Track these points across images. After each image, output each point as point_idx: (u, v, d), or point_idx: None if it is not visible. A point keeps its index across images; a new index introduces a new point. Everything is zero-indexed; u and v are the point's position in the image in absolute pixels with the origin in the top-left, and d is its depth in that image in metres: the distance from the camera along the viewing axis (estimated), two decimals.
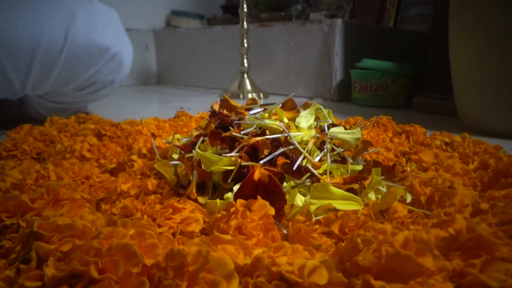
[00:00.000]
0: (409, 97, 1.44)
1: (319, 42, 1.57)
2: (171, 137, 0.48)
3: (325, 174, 0.41)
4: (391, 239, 0.24)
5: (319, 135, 0.44)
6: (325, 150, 0.42)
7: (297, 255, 0.25)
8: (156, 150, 0.49)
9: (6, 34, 0.78)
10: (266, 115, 0.47)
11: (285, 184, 0.39)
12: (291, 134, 0.42)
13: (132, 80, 2.01)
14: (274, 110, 0.49)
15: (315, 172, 0.39)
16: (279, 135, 0.42)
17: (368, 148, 0.46)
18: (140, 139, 0.56)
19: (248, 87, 1.62)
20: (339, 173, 0.43)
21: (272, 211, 0.32)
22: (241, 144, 0.40)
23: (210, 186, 0.41)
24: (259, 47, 1.73)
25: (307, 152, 0.41)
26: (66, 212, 0.33)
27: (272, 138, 0.42)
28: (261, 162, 0.39)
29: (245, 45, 1.62)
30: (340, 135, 0.44)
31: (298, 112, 0.49)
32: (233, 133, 0.42)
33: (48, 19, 0.83)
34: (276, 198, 0.34)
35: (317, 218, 0.35)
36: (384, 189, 0.40)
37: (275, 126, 0.43)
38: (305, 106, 0.58)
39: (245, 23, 1.61)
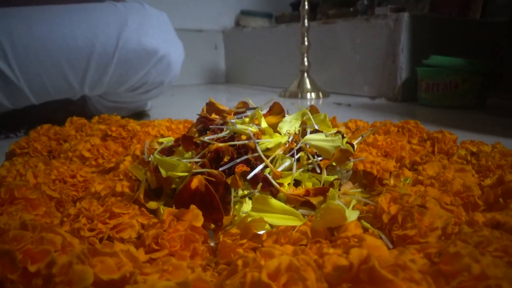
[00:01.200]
0: (483, 97, 1.29)
1: (384, 38, 1.48)
2: (153, 139, 0.49)
3: (291, 184, 0.38)
4: (264, 265, 0.22)
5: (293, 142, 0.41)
6: (293, 159, 0.39)
7: (177, 272, 0.24)
8: (146, 152, 0.50)
9: (65, 40, 0.85)
10: (247, 119, 0.45)
11: (240, 192, 0.37)
12: (257, 140, 0.40)
13: (201, 79, 2.08)
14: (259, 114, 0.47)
15: (273, 181, 0.37)
16: (245, 141, 0.40)
17: (350, 158, 0.42)
18: (147, 140, 0.57)
19: (308, 86, 1.59)
20: (310, 184, 0.40)
21: (199, 222, 0.31)
22: (204, 150, 0.39)
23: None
24: (322, 45, 1.68)
25: (274, 159, 0.39)
26: (17, 210, 0.35)
27: (243, 144, 0.41)
28: (220, 169, 0.38)
29: (306, 43, 1.58)
30: (315, 142, 0.41)
31: (284, 117, 0.47)
32: (201, 138, 0.41)
33: (102, 26, 0.89)
34: (212, 208, 0.33)
35: (260, 232, 0.33)
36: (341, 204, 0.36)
37: (247, 131, 0.42)
38: (312, 111, 0.55)
39: (306, 20, 1.57)
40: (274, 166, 0.39)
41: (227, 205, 0.35)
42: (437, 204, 0.34)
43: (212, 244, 0.31)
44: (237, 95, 1.69)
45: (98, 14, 0.91)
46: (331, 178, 0.40)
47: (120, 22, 0.91)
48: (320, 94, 1.57)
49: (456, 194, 0.39)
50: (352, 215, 0.31)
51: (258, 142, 0.39)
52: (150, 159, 0.40)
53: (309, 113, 0.47)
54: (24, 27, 0.84)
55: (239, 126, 0.42)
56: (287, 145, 0.41)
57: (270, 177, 0.37)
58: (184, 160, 0.38)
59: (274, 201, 0.33)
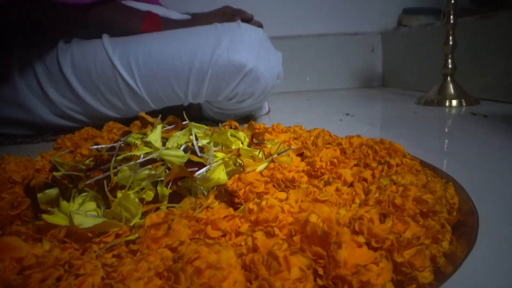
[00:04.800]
0: None
1: None
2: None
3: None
4: None
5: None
6: (133, 171, 0.43)
7: None
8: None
9: (173, 60, 1.05)
10: (149, 132, 0.51)
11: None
12: (120, 152, 0.46)
13: (355, 83, 2.04)
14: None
15: (106, 188, 0.42)
16: (111, 152, 0.46)
17: (189, 173, 0.42)
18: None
19: (451, 91, 1.39)
20: (152, 194, 0.43)
21: (14, 212, 0.41)
22: (88, 157, 0.48)
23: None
24: (480, 44, 1.43)
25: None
26: None
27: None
28: (88, 173, 0.46)
29: (450, 43, 1.38)
30: (167, 157, 0.44)
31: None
32: (89, 147, 0.49)
33: (201, 46, 1.05)
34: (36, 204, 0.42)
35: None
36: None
37: (133, 142, 0.48)
38: (250, 128, 0.56)
39: (451, 17, 1.38)
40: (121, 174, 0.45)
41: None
42: (186, 227, 0.34)
43: None
44: (368, 101, 1.61)
45: (199, 36, 1.07)
46: (167, 191, 0.43)
47: (215, 41, 1.05)
48: (463, 102, 1.35)
49: (264, 222, 0.37)
50: (85, 223, 0.34)
51: (116, 154, 0.45)
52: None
53: (193, 128, 0.49)
54: (146, 50, 1.06)
55: (128, 139, 0.49)
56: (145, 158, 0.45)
57: (105, 184, 0.43)
58: (78, 164, 0.48)
59: (62, 204, 0.39)
